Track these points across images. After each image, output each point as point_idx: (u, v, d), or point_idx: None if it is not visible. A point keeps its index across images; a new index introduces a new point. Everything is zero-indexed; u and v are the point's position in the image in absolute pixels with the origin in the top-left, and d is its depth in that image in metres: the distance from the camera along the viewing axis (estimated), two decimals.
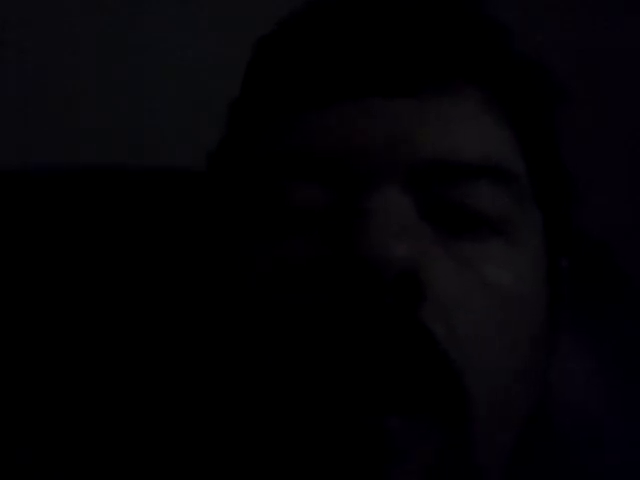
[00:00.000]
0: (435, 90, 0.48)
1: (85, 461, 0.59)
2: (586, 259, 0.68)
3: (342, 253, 0.45)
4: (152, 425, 0.60)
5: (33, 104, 0.85)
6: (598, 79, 0.92)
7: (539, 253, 0.51)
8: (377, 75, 0.48)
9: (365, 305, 0.45)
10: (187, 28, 0.87)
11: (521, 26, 0.52)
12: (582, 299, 0.67)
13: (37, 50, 0.85)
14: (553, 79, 0.53)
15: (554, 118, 0.54)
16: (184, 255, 0.62)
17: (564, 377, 0.65)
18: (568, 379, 0.65)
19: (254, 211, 0.49)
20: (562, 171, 0.54)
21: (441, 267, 0.46)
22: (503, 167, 0.49)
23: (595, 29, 0.93)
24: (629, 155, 0.95)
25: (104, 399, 0.60)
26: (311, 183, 0.48)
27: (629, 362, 0.69)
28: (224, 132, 0.54)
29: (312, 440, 0.45)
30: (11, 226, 0.64)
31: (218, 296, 0.50)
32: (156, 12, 0.87)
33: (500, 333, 0.47)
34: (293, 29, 0.51)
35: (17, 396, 0.60)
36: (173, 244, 0.64)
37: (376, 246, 0.44)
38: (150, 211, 0.66)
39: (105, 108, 0.86)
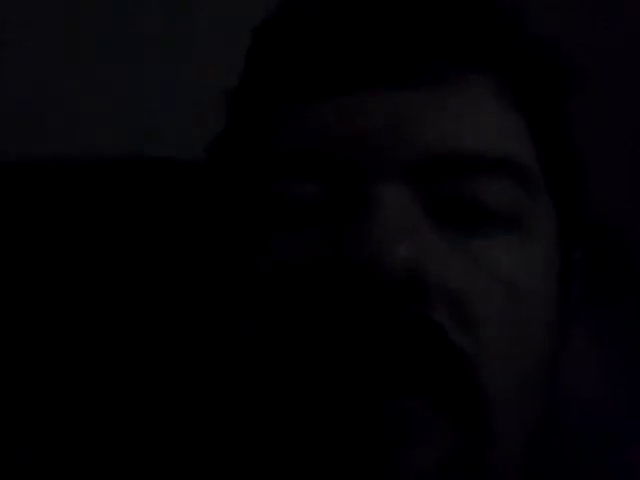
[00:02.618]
0: (439, 80, 0.47)
1: (85, 461, 0.59)
2: (601, 249, 0.67)
3: (343, 255, 0.45)
4: (152, 425, 0.60)
5: (33, 104, 0.85)
6: (598, 79, 0.92)
7: (551, 246, 0.49)
8: (378, 67, 0.47)
9: (370, 308, 0.44)
10: (187, 28, 0.87)
11: None
12: (594, 296, 0.66)
13: (37, 50, 0.85)
14: (564, 61, 0.51)
15: (566, 103, 0.52)
16: (184, 253, 0.62)
17: (574, 375, 0.64)
18: (578, 377, 0.65)
19: (254, 209, 0.48)
20: (575, 159, 0.52)
21: (447, 265, 0.45)
22: (513, 159, 0.47)
23: (595, 29, 0.93)
24: (629, 155, 0.95)
25: (104, 399, 0.60)
26: (311, 180, 0.47)
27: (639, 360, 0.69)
28: (223, 124, 0.53)
29: (324, 421, 0.45)
30: (10, 222, 0.64)
31: (218, 296, 0.50)
32: (156, 12, 0.87)
33: (513, 329, 0.46)
34: (291, 19, 0.50)
35: (17, 396, 0.60)
36: (173, 242, 0.64)
37: (377, 246, 0.44)
38: (150, 208, 0.66)
39: (105, 108, 0.86)
